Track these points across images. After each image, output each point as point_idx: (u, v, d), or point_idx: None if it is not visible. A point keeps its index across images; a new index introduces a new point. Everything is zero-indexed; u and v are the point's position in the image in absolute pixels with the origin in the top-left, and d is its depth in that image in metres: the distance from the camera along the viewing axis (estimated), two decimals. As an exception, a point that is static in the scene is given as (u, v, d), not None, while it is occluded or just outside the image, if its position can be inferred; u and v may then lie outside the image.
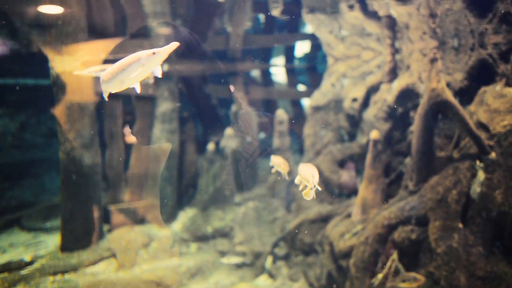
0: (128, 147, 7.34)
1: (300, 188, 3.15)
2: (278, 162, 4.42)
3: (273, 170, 4.55)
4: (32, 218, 7.94)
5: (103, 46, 5.56)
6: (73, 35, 5.09)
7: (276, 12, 7.74)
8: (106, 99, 2.71)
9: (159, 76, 2.51)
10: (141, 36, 6.75)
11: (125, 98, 7.32)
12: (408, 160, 6.00)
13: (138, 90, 2.57)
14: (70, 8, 5.01)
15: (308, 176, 2.99)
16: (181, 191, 8.43)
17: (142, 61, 2.46)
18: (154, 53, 2.46)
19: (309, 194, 2.92)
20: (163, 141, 7.72)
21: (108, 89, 2.63)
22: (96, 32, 5.75)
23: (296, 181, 3.24)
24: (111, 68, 2.58)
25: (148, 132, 7.66)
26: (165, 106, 7.65)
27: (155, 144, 7.71)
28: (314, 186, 2.90)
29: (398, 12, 6.51)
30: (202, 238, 7.82)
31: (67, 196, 6.27)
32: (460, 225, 4.52)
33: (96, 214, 6.63)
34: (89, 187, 6.29)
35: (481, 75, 5.39)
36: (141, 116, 7.60)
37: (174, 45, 2.43)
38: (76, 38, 5.12)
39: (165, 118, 7.64)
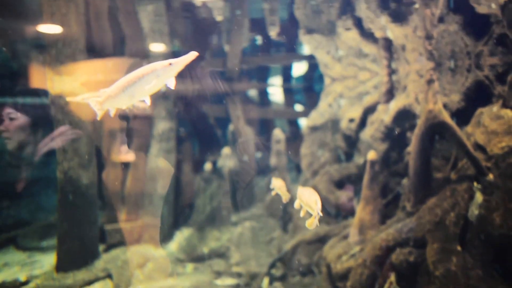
0: (126, 166, 7.31)
1: (302, 214, 3.08)
2: (279, 186, 4.37)
3: (273, 193, 4.50)
4: (28, 237, 7.85)
5: (102, 66, 5.58)
6: (72, 56, 5.12)
7: (273, 33, 7.83)
8: (112, 116, 2.66)
9: (172, 88, 2.46)
10: (140, 56, 6.80)
11: (122, 117, 7.32)
12: (405, 181, 5.99)
13: (149, 103, 2.52)
14: (70, 28, 5.05)
15: (311, 203, 2.87)
16: (177, 210, 8.36)
17: (158, 72, 2.41)
18: (170, 64, 2.40)
19: (313, 224, 2.82)
20: (160, 160, 7.69)
21: (115, 105, 2.57)
22: (95, 52, 5.79)
23: (296, 205, 3.17)
24: (118, 83, 2.51)
25: (145, 151, 7.64)
26: (162, 125, 7.64)
27: (152, 164, 7.68)
28: (318, 214, 2.80)
29: (394, 33, 6.59)
30: (198, 259, 7.72)
31: (63, 216, 6.21)
32: (459, 248, 4.48)
33: (92, 233, 6.56)
34: (85, 206, 6.24)
35: (477, 96, 5.42)
36: (139, 135, 7.58)
37: (193, 55, 2.38)
38: (75, 58, 5.15)
39: (163, 138, 7.63)
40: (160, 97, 7.56)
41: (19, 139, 5.39)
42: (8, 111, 5.23)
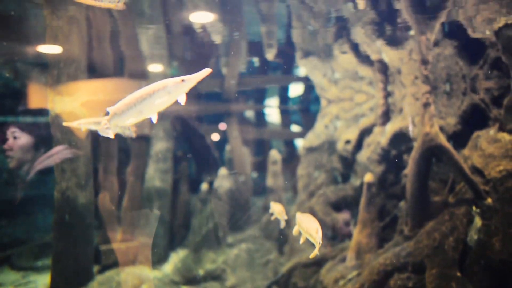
0: (122, 186, 7.26)
1: (301, 241, 3.04)
2: (278, 210, 4.36)
3: (273, 218, 4.48)
4: (23, 256, 7.74)
5: (102, 87, 5.60)
6: (74, 76, 5.14)
7: (270, 55, 7.91)
8: (112, 136, 2.62)
9: (182, 104, 2.42)
10: (139, 77, 6.84)
11: (120, 137, 7.32)
12: (402, 204, 5.98)
13: (155, 120, 2.49)
14: (72, 50, 5.08)
15: (311, 232, 2.83)
16: (173, 231, 8.27)
17: (169, 89, 2.38)
18: (183, 80, 2.38)
19: (315, 254, 2.78)
20: (156, 181, 7.65)
21: (120, 122, 2.53)
22: (95, 72, 5.82)
23: (294, 232, 3.14)
24: (124, 100, 2.47)
25: (142, 171, 7.60)
26: (160, 145, 7.64)
27: (148, 184, 7.64)
28: (319, 243, 2.75)
29: (390, 57, 6.68)
30: (193, 281, 7.60)
31: (59, 236, 6.13)
32: (458, 274, 4.44)
33: (87, 254, 6.46)
34: (81, 227, 6.17)
35: (474, 120, 5.48)
36: (136, 155, 7.56)
37: (206, 71, 2.36)
38: (76, 79, 5.17)
39: (160, 158, 7.61)
40: (158, 116, 7.58)
41: (23, 158, 5.38)
42: (13, 130, 5.23)
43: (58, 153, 5.53)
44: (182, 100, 2.43)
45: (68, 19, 4.92)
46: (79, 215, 6.01)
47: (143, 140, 7.64)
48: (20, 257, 7.69)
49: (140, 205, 7.41)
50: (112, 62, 6.18)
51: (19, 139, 5.26)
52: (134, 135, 4.21)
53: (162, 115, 7.64)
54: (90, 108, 5.32)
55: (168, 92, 2.38)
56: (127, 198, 7.37)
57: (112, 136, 2.62)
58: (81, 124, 3.97)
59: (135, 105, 2.43)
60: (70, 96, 5.18)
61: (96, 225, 7.03)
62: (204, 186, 8.51)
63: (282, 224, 4.23)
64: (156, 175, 7.65)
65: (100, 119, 4.01)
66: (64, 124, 4.13)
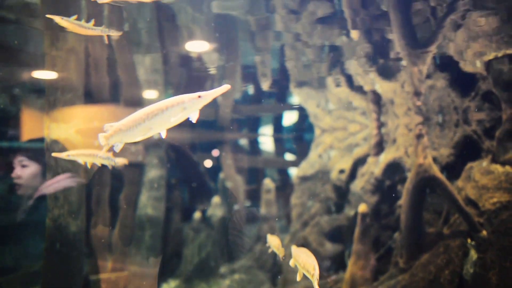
0: (114, 214, 7.16)
1: (298, 277, 2.98)
2: (275, 244, 4.30)
3: (270, 251, 4.41)
4: (11, 285, 7.50)
5: (98, 114, 5.60)
6: (70, 103, 5.15)
7: (265, 85, 8.01)
8: (118, 151, 2.50)
9: (194, 121, 2.35)
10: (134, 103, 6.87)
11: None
12: (397, 235, 5.94)
13: (164, 135, 2.40)
14: (70, 77, 5.11)
15: (309, 268, 2.76)
16: (165, 261, 8.12)
17: (185, 105, 2.31)
18: (200, 96, 2.33)
19: None
20: (149, 209, 7.56)
21: (126, 139, 2.43)
22: (92, 99, 5.83)
23: (291, 263, 3.09)
24: (132, 116, 2.38)
25: (135, 199, 7.52)
26: (153, 173, 7.59)
27: (141, 212, 7.54)
28: (317, 280, 2.68)
29: (383, 88, 6.78)
30: (184, 313, 7.42)
31: (49, 265, 5.97)
32: (455, 307, 4.39)
33: (77, 284, 6.29)
34: (72, 256, 6.03)
35: (467, 151, 5.53)
36: (129, 182, 7.49)
37: (225, 88, 2.32)
38: (73, 106, 5.17)
39: (153, 186, 7.55)
40: (152, 144, 7.56)
41: (32, 186, 5.33)
42: (20, 158, 5.19)
43: (62, 181, 5.48)
44: (195, 117, 2.37)
45: (67, 49, 4.98)
46: (70, 243, 5.89)
47: (137, 167, 7.59)
48: (9, 286, 7.46)
49: (132, 233, 7.29)
50: (108, 89, 6.21)
51: (27, 167, 5.23)
52: (120, 164, 4.17)
53: (156, 143, 7.63)
54: (85, 135, 5.30)
55: (184, 108, 2.32)
56: (119, 226, 7.26)
57: (102, 152, 2.55)
58: (70, 156, 3.95)
59: (144, 121, 2.34)
60: (66, 123, 5.16)
61: (87, 253, 6.89)
62: (197, 215, 8.42)
63: (280, 258, 4.15)
64: (149, 203, 7.57)
65: (91, 152, 4.00)
66: (53, 154, 4.10)
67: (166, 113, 2.33)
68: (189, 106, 2.33)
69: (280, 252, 4.17)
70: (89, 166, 4.01)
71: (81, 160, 3.96)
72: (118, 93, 6.78)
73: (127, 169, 7.33)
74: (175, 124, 2.38)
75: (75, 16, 3.58)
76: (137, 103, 6.94)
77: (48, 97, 5.05)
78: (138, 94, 7.11)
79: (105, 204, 6.72)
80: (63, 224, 5.62)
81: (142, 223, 7.53)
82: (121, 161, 4.20)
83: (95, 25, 3.65)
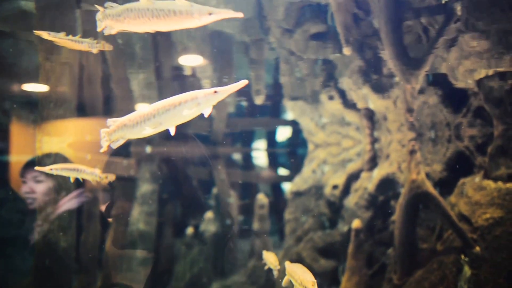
0: (105, 229, 7.07)
1: None
2: (271, 260, 4.23)
3: (266, 268, 4.34)
4: (-2, 302, 7.33)
5: (91, 127, 5.57)
6: (63, 117, 5.12)
7: (259, 100, 8.03)
8: (115, 147, 2.44)
9: (206, 116, 2.29)
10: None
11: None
12: (391, 251, 5.92)
13: (173, 133, 2.34)
14: (63, 91, 5.09)
15: (307, 285, 2.69)
16: (156, 277, 8.00)
17: (199, 100, 2.25)
18: (215, 92, 2.27)
19: None
20: (141, 224, 7.48)
21: (132, 135, 2.37)
22: (84, 112, 5.80)
23: (284, 283, 3.02)
24: (140, 111, 2.33)
25: (126, 214, 7.44)
26: (145, 187, 7.53)
27: (132, 227, 7.46)
28: None
29: (376, 104, 6.83)
30: (175, 330, 7.29)
31: (37, 283, 5.86)
32: (449, 324, 4.36)
33: (63, 302, 6.17)
34: (61, 272, 5.92)
35: (459, 166, 5.56)
36: (121, 197, 7.42)
37: (242, 83, 2.26)
38: (66, 119, 5.15)
39: (145, 200, 7.49)
40: (144, 158, 7.52)
41: (45, 201, 5.27)
42: (34, 174, 5.13)
43: (77, 197, 5.43)
44: (207, 112, 2.31)
45: (62, 63, 4.98)
46: (59, 259, 5.79)
47: (129, 181, 7.53)
48: (-5, 303, 7.29)
49: (123, 249, 7.19)
50: (102, 102, 6.20)
51: (42, 182, 5.17)
52: (105, 181, 4.10)
53: (148, 157, 7.58)
54: (77, 148, 5.26)
55: (198, 103, 2.26)
56: (109, 242, 7.16)
57: (102, 150, 2.50)
58: (53, 170, 3.90)
59: (154, 116, 2.29)
60: (58, 137, 5.13)
61: (76, 269, 6.77)
62: (189, 230, 8.34)
63: (276, 274, 4.07)
64: (140, 217, 7.50)
65: (75, 166, 3.95)
66: (36, 168, 4.05)
67: (178, 109, 2.27)
68: (204, 101, 2.27)
69: (277, 269, 4.09)
70: (71, 181, 3.96)
71: (65, 175, 3.91)
72: (111, 107, 6.76)
73: (119, 183, 7.27)
74: (187, 120, 2.32)
75: (63, 33, 3.60)
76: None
77: (41, 110, 5.03)
78: (131, 108, 7.10)
79: (96, 219, 6.63)
80: (53, 239, 5.53)
81: (133, 239, 7.44)
82: (107, 177, 4.11)
83: (86, 38, 3.66)
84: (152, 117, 2.31)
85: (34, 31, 3.63)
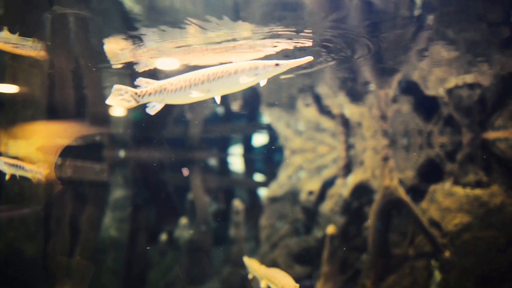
0: (75, 236, 6.87)
1: None
2: (255, 268, 4.09)
3: (250, 276, 4.19)
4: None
5: (61, 130, 5.41)
6: (31, 119, 4.94)
7: (236, 106, 8.01)
8: (153, 113, 2.34)
9: (262, 86, 2.27)
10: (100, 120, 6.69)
11: (75, 183, 7.02)
12: (364, 257, 5.96)
13: (218, 101, 2.29)
14: (32, 91, 4.92)
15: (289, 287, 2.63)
16: (128, 285, 7.82)
17: (259, 70, 2.22)
18: (277, 64, 2.24)
19: None
20: (112, 230, 7.31)
21: (171, 100, 2.29)
22: (55, 114, 5.64)
23: (262, 285, 2.98)
24: (184, 76, 2.25)
25: (98, 220, 7.25)
26: (118, 193, 7.39)
27: (103, 234, 7.28)
28: None
29: (351, 111, 6.90)
30: None
31: (1, 291, 5.65)
32: (420, 328, 4.40)
33: (29, 312, 5.95)
34: (28, 281, 5.72)
35: (430, 173, 5.66)
36: (92, 202, 7.24)
37: (306, 59, 2.22)
38: (34, 121, 4.97)
39: (117, 206, 7.33)
40: (117, 163, 7.38)
41: None
42: None
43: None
44: (263, 82, 2.28)
45: (30, 62, 4.81)
46: (25, 268, 5.59)
47: (101, 186, 7.36)
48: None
49: (93, 256, 7.00)
50: (74, 105, 6.04)
51: None
52: (43, 179, 3.94)
53: (121, 161, 7.44)
54: (46, 152, 5.10)
55: (256, 74, 2.22)
56: (79, 249, 6.96)
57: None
58: (27, 172, 3.77)
59: (203, 82, 2.23)
60: (26, 140, 4.96)
61: (44, 278, 6.55)
62: (163, 237, 8.20)
63: (263, 284, 3.89)
64: (112, 224, 7.33)
65: (15, 162, 3.78)
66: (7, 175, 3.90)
67: (234, 77, 2.24)
68: (263, 72, 2.24)
69: (261, 277, 3.93)
70: (7, 178, 3.80)
71: (7, 171, 3.75)
72: (83, 109, 6.61)
73: (91, 187, 7.10)
74: (241, 89, 2.27)
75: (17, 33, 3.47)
76: (104, 120, 6.78)
77: (7, 112, 4.85)
78: (104, 111, 6.95)
79: (65, 225, 6.45)
80: (18, 247, 5.33)
81: (104, 246, 7.27)
82: (44, 172, 3.93)
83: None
84: (200, 83, 2.24)
85: None
